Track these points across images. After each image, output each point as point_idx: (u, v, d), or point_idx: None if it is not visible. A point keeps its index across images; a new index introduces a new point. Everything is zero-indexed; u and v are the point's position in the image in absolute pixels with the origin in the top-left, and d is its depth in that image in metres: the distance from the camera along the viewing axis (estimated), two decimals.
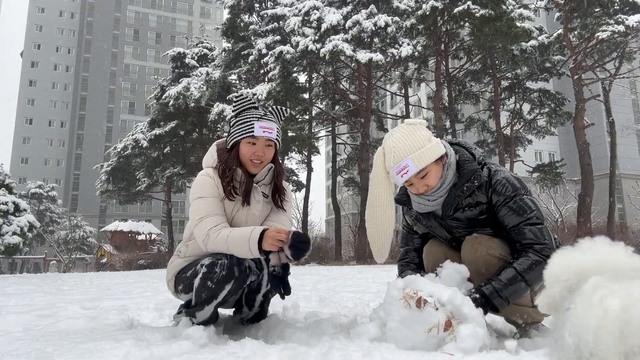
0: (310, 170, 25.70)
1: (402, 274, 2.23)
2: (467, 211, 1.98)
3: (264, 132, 2.16)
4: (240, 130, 2.19)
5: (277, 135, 2.22)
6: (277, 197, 2.32)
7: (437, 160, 1.95)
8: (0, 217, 23.92)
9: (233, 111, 2.25)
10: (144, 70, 68.80)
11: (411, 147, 1.90)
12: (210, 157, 2.30)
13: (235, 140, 2.21)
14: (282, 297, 2.13)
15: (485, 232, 2.00)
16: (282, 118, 2.30)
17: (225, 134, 2.31)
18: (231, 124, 2.25)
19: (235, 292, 2.11)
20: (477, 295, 1.78)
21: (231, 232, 2.03)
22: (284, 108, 2.30)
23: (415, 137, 1.92)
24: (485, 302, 1.77)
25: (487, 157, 2.09)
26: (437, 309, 1.63)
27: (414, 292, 1.69)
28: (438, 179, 1.96)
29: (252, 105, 2.23)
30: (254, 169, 2.22)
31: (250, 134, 2.16)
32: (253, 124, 2.16)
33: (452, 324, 1.61)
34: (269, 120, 2.20)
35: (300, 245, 1.95)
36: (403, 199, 2.17)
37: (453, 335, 1.60)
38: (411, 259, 2.26)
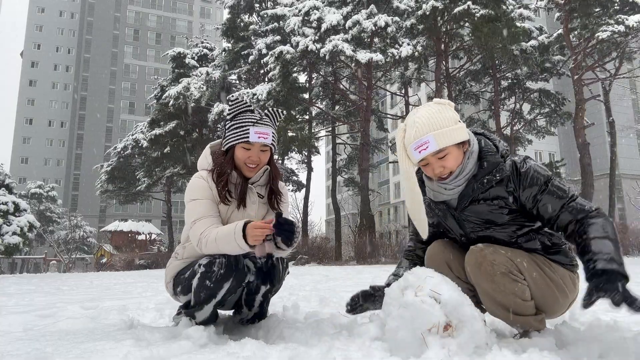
0: (310, 170, 25.71)
1: (400, 262, 2.23)
2: (482, 204, 1.90)
3: (259, 137, 2.15)
4: (235, 135, 2.17)
5: (272, 140, 2.20)
6: (273, 199, 2.32)
7: (459, 144, 1.86)
8: (0, 217, 23.92)
9: (228, 114, 2.23)
10: (144, 70, 68.79)
11: (435, 124, 1.81)
12: (205, 159, 2.31)
13: (230, 144, 2.20)
14: (272, 286, 2.19)
15: (497, 232, 1.94)
16: (278, 120, 2.29)
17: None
18: (226, 127, 2.24)
19: (234, 291, 2.11)
20: (602, 272, 1.57)
21: (218, 232, 2.03)
22: (279, 110, 2.29)
23: (442, 116, 1.83)
24: (616, 275, 1.57)
25: (510, 151, 2.00)
26: (436, 308, 1.63)
27: (416, 294, 1.68)
28: (457, 165, 1.86)
29: (248, 108, 2.22)
30: (249, 173, 2.21)
31: (245, 139, 2.15)
32: (248, 129, 2.15)
33: (452, 323, 1.61)
34: (265, 124, 2.19)
35: (286, 227, 1.94)
36: (418, 183, 2.10)
37: (453, 336, 1.59)
38: (416, 249, 2.22)
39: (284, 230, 1.95)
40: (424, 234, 1.97)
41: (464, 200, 1.94)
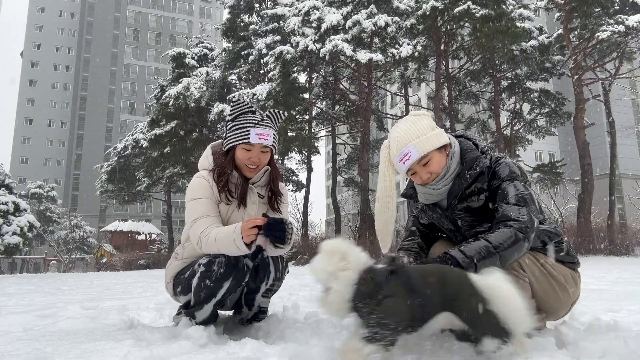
0: (310, 170, 25.69)
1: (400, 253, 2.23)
2: (471, 201, 1.96)
3: (259, 139, 2.17)
4: (237, 135, 2.19)
5: (273, 141, 2.22)
6: (273, 199, 2.33)
7: (441, 148, 1.95)
8: (0, 217, 23.93)
9: (230, 114, 2.24)
10: (144, 70, 68.78)
11: (413, 135, 1.92)
12: (206, 159, 2.32)
13: (231, 145, 2.21)
14: (259, 284, 2.21)
15: (489, 226, 1.97)
16: (279, 122, 2.30)
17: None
18: (228, 128, 2.25)
19: (233, 291, 2.11)
20: (447, 257, 1.73)
21: (218, 232, 2.04)
22: (280, 112, 2.31)
23: (418, 126, 1.95)
24: (455, 264, 1.71)
25: (493, 148, 2.08)
26: None
27: None
28: (442, 167, 1.95)
29: (249, 109, 2.23)
30: (249, 173, 2.23)
31: (246, 140, 2.16)
32: (249, 130, 2.17)
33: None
34: (266, 126, 2.20)
35: (277, 227, 1.95)
36: (410, 192, 2.17)
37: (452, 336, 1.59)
38: (413, 243, 2.22)
39: (275, 230, 1.95)
40: (385, 248, 2.09)
41: (452, 198, 2.00)
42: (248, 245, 1.98)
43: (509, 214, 1.80)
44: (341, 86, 24.49)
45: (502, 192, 1.87)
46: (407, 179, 2.13)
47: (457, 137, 2.10)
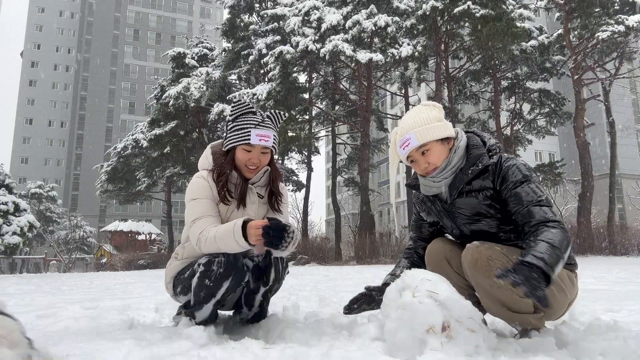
0: (310, 170, 25.70)
1: (399, 262, 2.27)
2: (471, 197, 1.98)
3: (260, 140, 2.16)
4: (237, 136, 2.19)
5: (273, 142, 2.22)
6: (273, 199, 2.33)
7: (443, 141, 1.98)
8: (0, 217, 23.93)
9: (230, 115, 2.24)
10: (144, 70, 68.76)
11: (416, 123, 1.97)
12: (205, 159, 2.32)
13: (231, 145, 2.21)
14: (265, 286, 2.20)
15: (487, 225, 1.99)
16: (279, 123, 2.30)
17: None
18: (228, 128, 2.25)
19: (233, 290, 2.11)
20: (528, 264, 1.61)
21: (217, 230, 2.04)
22: (281, 112, 2.30)
23: (424, 115, 1.99)
24: (537, 270, 1.61)
25: (502, 148, 2.09)
26: (434, 309, 1.62)
27: (414, 295, 1.68)
28: (442, 160, 1.98)
29: (250, 110, 2.23)
30: (249, 174, 2.23)
31: (247, 141, 2.16)
32: (250, 131, 2.16)
33: (450, 324, 1.61)
34: (266, 127, 2.20)
35: (275, 233, 1.93)
36: (413, 183, 2.20)
37: (451, 336, 1.59)
38: (416, 247, 2.27)
39: (271, 235, 1.93)
40: (397, 231, 2.10)
41: (452, 191, 2.02)
42: (248, 242, 1.98)
43: (545, 215, 1.82)
44: (341, 86, 24.49)
45: (525, 194, 1.88)
46: (406, 169, 2.17)
47: (467, 132, 2.12)
